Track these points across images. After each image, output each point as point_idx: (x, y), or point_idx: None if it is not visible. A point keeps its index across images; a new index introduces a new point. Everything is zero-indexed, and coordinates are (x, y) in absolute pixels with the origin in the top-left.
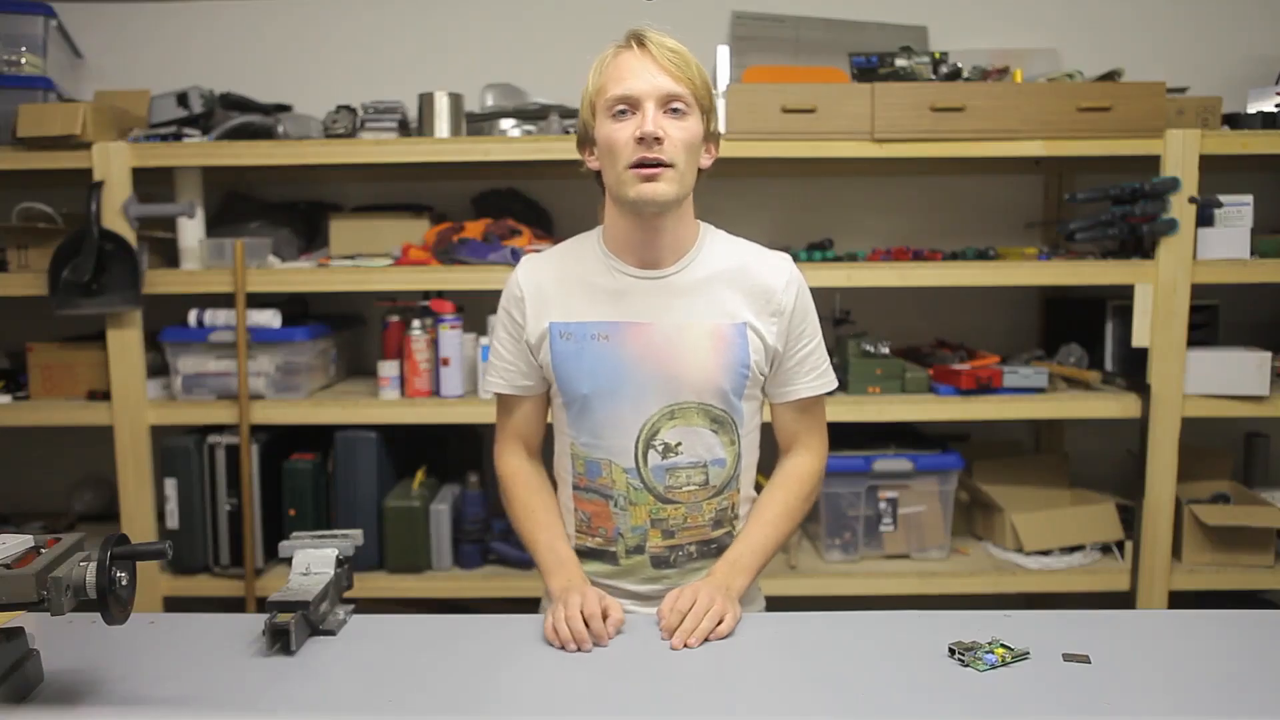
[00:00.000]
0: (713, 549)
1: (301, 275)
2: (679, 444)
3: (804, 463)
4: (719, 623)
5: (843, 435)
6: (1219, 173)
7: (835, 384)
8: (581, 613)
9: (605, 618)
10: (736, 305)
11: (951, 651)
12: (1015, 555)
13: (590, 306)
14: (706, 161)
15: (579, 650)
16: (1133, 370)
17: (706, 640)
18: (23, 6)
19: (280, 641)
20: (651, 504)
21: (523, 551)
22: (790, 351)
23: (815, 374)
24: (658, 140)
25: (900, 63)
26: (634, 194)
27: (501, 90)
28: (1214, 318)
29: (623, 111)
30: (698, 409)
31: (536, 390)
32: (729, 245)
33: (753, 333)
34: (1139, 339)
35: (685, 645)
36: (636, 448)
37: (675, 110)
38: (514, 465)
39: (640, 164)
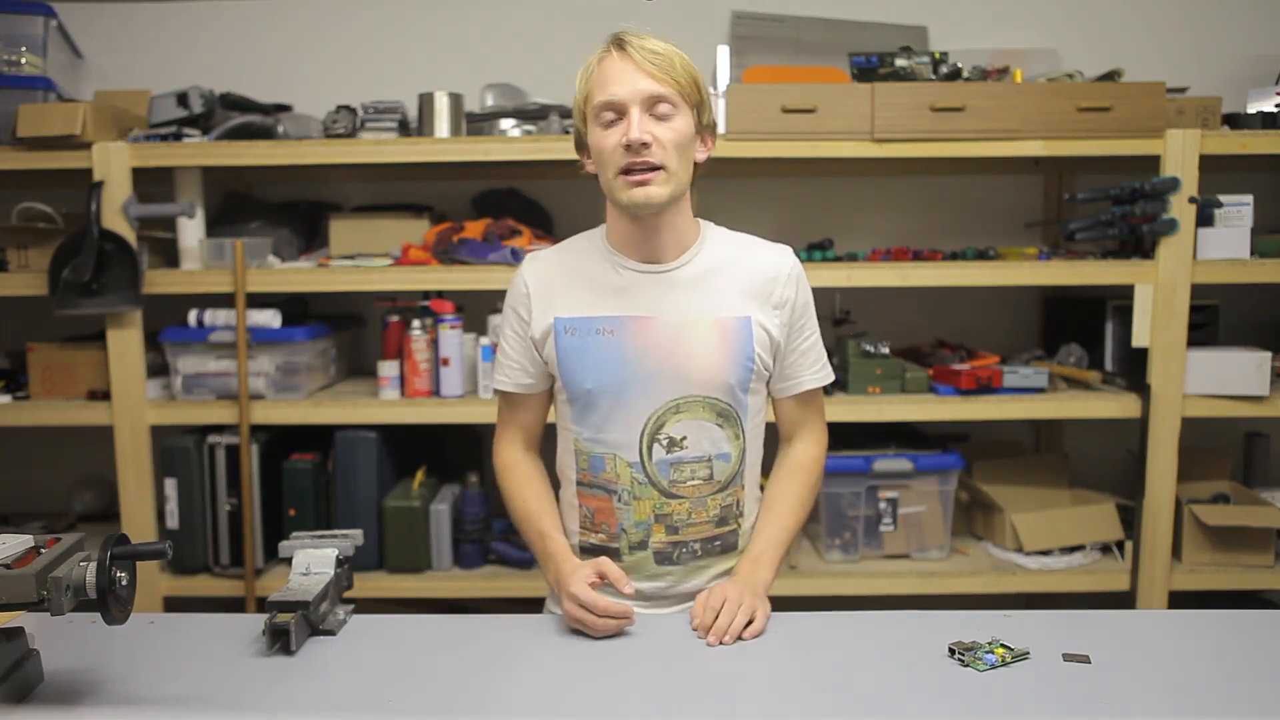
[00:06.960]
0: (716, 546)
1: (301, 275)
2: (684, 438)
3: (808, 450)
4: (750, 621)
5: (843, 435)
6: (1219, 173)
7: (833, 375)
8: (598, 613)
9: (605, 581)
10: (740, 298)
11: (951, 651)
12: (1015, 555)
13: (595, 301)
14: (702, 155)
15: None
16: (1133, 370)
17: (740, 639)
18: (23, 6)
19: (280, 641)
20: (656, 499)
21: (523, 551)
22: (794, 344)
23: (818, 365)
24: (645, 145)
25: (900, 63)
26: (626, 199)
27: (501, 90)
28: (1214, 318)
29: (610, 118)
30: (703, 403)
31: (539, 388)
32: (729, 239)
33: (757, 325)
34: (1139, 339)
35: (720, 643)
36: (641, 442)
37: (662, 111)
38: (512, 456)
39: (629, 170)
